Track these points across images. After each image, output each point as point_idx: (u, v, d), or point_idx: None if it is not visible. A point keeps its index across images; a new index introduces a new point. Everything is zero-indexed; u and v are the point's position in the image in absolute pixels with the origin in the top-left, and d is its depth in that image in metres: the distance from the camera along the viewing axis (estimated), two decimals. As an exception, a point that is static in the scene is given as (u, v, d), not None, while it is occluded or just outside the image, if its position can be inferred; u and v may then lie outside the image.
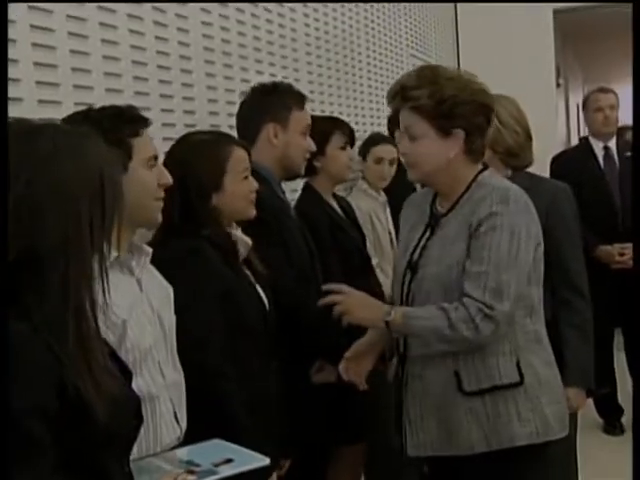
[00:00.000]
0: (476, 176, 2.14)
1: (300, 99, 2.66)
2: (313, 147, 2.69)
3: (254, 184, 2.24)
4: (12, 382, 1.23)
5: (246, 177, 2.23)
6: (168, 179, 1.85)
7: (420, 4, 5.73)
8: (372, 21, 4.74)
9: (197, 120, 2.74)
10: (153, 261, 1.86)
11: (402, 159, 2.39)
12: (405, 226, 2.28)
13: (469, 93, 2.09)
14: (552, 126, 6.50)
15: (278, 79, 3.21)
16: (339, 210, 3.13)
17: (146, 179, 1.79)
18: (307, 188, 3.08)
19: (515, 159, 2.71)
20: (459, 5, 6.60)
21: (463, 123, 2.07)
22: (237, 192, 2.19)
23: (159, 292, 1.87)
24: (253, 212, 2.25)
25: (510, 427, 2.09)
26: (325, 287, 2.12)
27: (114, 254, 1.72)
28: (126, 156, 1.74)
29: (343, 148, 3.13)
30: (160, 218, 1.84)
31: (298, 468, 2.39)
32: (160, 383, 1.80)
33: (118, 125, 1.73)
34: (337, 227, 2.98)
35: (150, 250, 1.84)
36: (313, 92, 3.74)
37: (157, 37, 2.53)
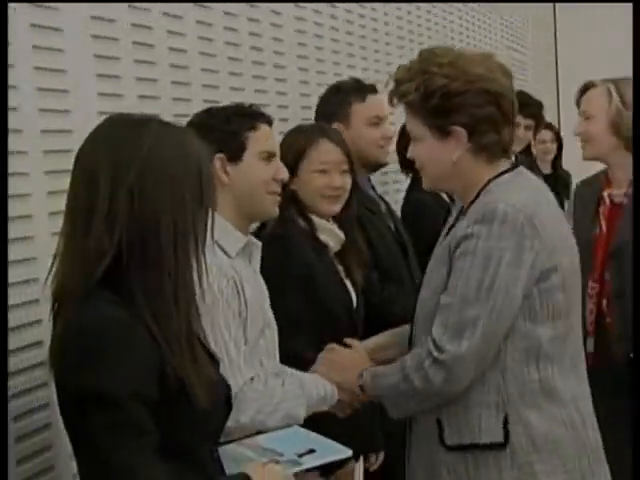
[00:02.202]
0: (491, 180, 1.75)
1: (360, 91, 2.67)
2: (389, 132, 2.71)
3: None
4: (117, 369, 1.28)
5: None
6: (285, 174, 1.90)
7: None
8: (467, 20, 4.70)
9: (290, 114, 2.78)
10: None
11: None
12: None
13: (464, 80, 1.70)
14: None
15: (370, 74, 3.24)
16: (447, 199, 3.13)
17: (258, 171, 1.84)
18: (417, 178, 3.08)
19: None
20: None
21: (463, 118, 1.71)
22: (316, 180, 2.21)
23: (263, 286, 1.94)
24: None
25: None
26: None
27: (243, 241, 1.83)
28: (241, 147, 1.82)
29: None
30: (276, 211, 1.90)
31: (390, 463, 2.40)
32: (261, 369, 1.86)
33: (236, 118, 1.83)
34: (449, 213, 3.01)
35: (260, 243, 1.91)
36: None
37: (251, 33, 2.59)
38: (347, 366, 1.89)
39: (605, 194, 2.58)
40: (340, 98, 2.65)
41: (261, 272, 1.93)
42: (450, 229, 1.80)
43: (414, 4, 3.92)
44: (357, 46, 3.33)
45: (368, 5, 3.43)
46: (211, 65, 2.38)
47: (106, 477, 1.28)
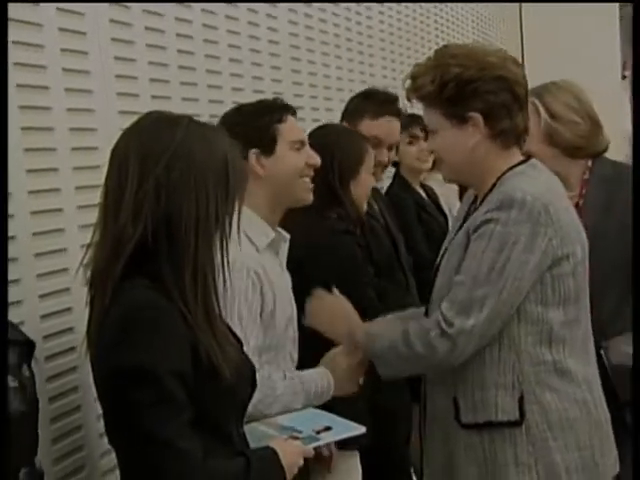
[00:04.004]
0: (507, 171, 1.82)
1: (378, 108, 2.73)
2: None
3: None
4: (155, 349, 1.38)
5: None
6: (317, 160, 2.03)
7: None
8: (441, 17, 4.85)
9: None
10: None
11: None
12: (452, 222, 2.05)
13: (477, 68, 1.78)
14: (617, 119, 6.51)
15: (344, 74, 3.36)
16: (424, 195, 3.35)
17: (292, 159, 1.97)
18: (397, 176, 3.32)
19: (581, 151, 2.44)
20: (524, -1, 6.66)
21: (478, 104, 1.79)
22: (368, 183, 2.43)
23: (288, 280, 2.06)
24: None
25: (506, 473, 1.79)
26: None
27: (271, 235, 1.95)
28: (272, 139, 1.95)
29: (411, 143, 3.28)
30: (311, 197, 2.02)
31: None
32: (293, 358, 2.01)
33: (264, 113, 1.96)
34: (422, 209, 3.20)
35: (288, 236, 2.03)
36: (386, 87, 3.86)
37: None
38: (336, 316, 1.96)
39: None
40: (360, 105, 2.75)
41: (342, 264, 2.15)
42: (465, 220, 1.89)
43: (395, 8, 4.05)
44: (344, 48, 3.43)
45: (353, 8, 3.53)
46: (216, 67, 2.50)
47: (147, 450, 1.37)
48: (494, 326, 1.75)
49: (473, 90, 1.78)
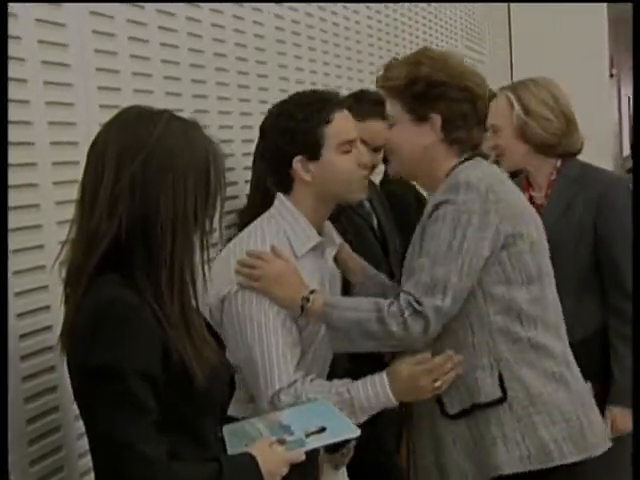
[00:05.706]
0: (454, 168, 1.90)
1: (361, 111, 2.62)
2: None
3: None
4: (122, 347, 1.35)
5: None
6: (367, 158, 1.97)
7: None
8: (430, 12, 4.82)
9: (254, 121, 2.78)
10: None
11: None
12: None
13: (447, 74, 1.87)
14: (604, 117, 6.51)
15: (331, 80, 3.31)
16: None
17: (339, 164, 1.88)
18: None
19: (553, 149, 2.47)
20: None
21: (441, 107, 1.87)
22: None
23: (334, 274, 2.05)
24: None
25: (495, 451, 1.82)
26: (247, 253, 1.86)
27: (314, 240, 1.90)
28: (317, 145, 1.86)
29: None
30: (364, 195, 2.00)
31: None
32: None
33: (309, 115, 1.86)
34: (419, 201, 3.15)
35: (338, 242, 2.03)
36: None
37: (235, 30, 2.65)
38: (287, 282, 1.83)
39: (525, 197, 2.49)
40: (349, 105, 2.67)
41: None
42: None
43: (376, 5, 4.01)
44: (319, 50, 3.31)
45: (327, 8, 3.45)
46: (200, 73, 2.44)
47: (109, 451, 1.35)
48: (458, 303, 1.80)
49: (439, 93, 1.87)
